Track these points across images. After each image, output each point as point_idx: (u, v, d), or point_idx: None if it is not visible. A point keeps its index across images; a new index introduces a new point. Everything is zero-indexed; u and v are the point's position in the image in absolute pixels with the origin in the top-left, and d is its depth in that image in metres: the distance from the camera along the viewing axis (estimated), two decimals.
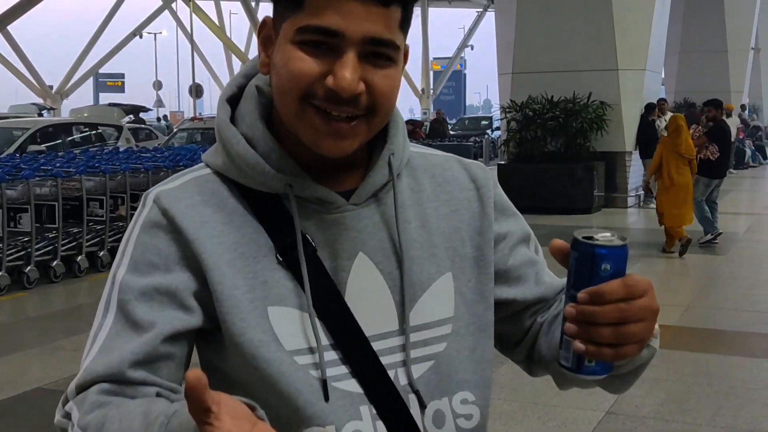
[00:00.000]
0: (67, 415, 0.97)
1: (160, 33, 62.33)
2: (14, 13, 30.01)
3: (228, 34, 42.59)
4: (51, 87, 36.41)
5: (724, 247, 9.99)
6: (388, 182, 1.09)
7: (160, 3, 41.59)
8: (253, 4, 35.98)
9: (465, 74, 78.97)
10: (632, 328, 0.91)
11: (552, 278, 1.20)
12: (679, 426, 4.42)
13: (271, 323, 1.01)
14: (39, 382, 5.16)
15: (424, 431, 1.05)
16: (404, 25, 1.01)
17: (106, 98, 53.45)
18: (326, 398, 1.00)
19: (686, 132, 9.50)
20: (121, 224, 8.72)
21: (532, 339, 1.18)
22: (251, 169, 1.04)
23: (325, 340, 1.03)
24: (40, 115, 27.36)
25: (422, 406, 1.05)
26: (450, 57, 51.97)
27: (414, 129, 20.39)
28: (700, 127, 10.60)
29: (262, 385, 1.00)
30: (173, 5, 42.14)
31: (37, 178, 8.12)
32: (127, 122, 20.43)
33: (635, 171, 14.19)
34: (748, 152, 24.08)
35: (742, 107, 25.80)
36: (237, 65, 41.99)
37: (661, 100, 14.90)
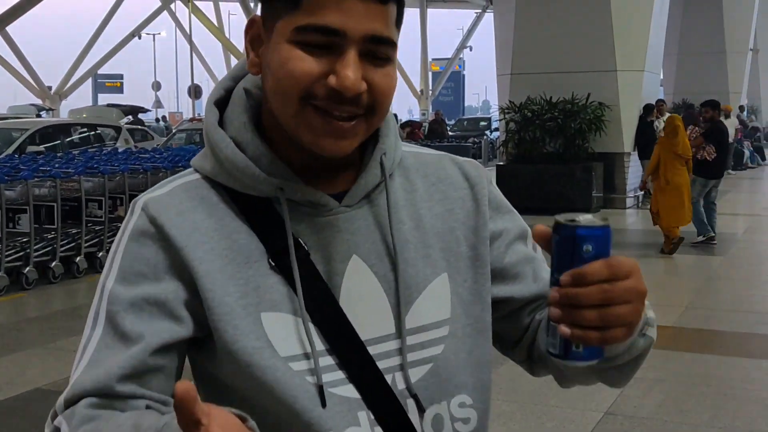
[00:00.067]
0: (57, 430, 0.96)
1: (159, 34, 62.54)
2: (13, 13, 30.04)
3: (227, 35, 42.56)
4: (50, 88, 36.38)
5: (723, 248, 10.00)
6: (380, 183, 1.08)
7: (159, 4, 41.60)
8: (252, 4, 35.92)
9: (464, 75, 78.96)
10: (618, 310, 0.88)
11: (550, 275, 1.19)
12: (677, 427, 4.42)
13: (264, 329, 1.00)
14: (38, 383, 5.15)
15: None
16: (398, 22, 1.00)
17: (104, 99, 53.35)
18: (323, 404, 0.99)
19: (683, 132, 9.51)
20: (119, 225, 8.68)
21: (532, 337, 1.16)
22: (241, 173, 1.02)
23: (320, 345, 1.01)
24: (39, 115, 27.36)
25: (421, 411, 1.04)
26: (449, 58, 51.93)
27: (413, 130, 20.35)
28: (696, 128, 10.62)
29: (260, 392, 0.99)
30: (172, 6, 42.14)
31: (36, 179, 8.12)
32: (126, 123, 20.44)
33: (634, 172, 14.20)
34: (747, 153, 24.11)
35: (741, 108, 25.82)
36: None
37: (660, 101, 14.92)
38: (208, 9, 40.92)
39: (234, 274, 1.00)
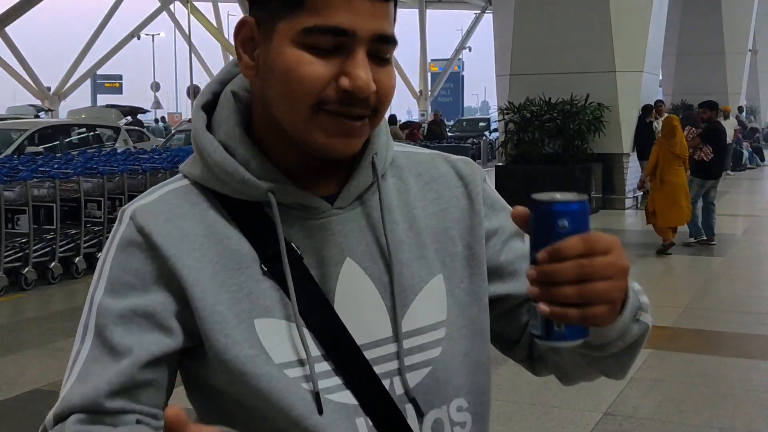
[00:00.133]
0: None
1: (158, 34, 62.50)
2: (12, 14, 30.02)
3: (226, 36, 42.53)
4: (49, 88, 36.36)
5: (722, 249, 10.01)
6: (372, 184, 1.06)
7: (158, 4, 41.59)
8: None
9: (463, 76, 78.88)
10: (597, 286, 0.85)
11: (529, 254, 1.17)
12: (676, 427, 4.42)
13: (258, 336, 0.98)
14: (37, 383, 5.15)
15: None
16: (394, 20, 1.00)
17: (104, 100, 53.29)
18: (320, 411, 0.97)
19: (681, 133, 9.53)
20: None
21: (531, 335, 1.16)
22: (230, 177, 1.00)
23: (315, 351, 0.99)
24: (38, 116, 27.35)
25: (420, 416, 1.02)
26: (448, 59, 51.92)
27: (412, 131, 20.40)
28: (693, 128, 10.63)
29: (256, 400, 0.97)
30: (171, 7, 42.14)
31: (35, 180, 8.13)
32: (124, 124, 20.43)
33: (633, 173, 14.21)
34: (746, 154, 24.11)
35: (740, 109, 25.85)
36: None
37: (659, 102, 14.93)
38: (207, 10, 40.92)
39: (225, 280, 0.99)
